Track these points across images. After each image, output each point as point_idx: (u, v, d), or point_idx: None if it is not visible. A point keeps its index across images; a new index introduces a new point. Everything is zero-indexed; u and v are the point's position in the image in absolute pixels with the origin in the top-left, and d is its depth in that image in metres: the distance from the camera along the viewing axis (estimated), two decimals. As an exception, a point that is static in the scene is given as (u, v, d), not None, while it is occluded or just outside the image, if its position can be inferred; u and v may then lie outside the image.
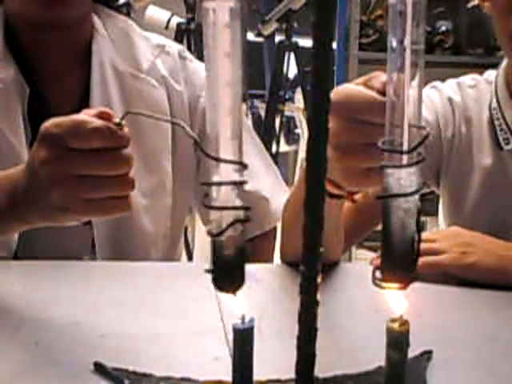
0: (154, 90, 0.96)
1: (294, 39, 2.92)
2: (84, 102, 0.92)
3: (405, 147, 0.41)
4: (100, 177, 0.61)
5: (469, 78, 1.01)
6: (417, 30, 0.41)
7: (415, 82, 0.43)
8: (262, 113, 4.11)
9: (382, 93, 0.51)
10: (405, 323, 0.44)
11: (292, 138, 4.41)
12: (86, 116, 0.61)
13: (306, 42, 3.99)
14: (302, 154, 4.36)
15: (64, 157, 0.61)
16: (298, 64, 3.03)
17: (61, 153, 0.60)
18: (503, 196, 0.93)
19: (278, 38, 3.44)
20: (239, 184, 0.41)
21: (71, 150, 0.60)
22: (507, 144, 0.92)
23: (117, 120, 0.61)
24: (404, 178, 0.41)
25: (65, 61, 0.93)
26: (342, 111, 0.54)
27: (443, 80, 1.03)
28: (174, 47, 1.02)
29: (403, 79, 0.42)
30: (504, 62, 0.95)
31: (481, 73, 1.02)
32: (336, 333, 0.63)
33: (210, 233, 0.42)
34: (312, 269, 0.38)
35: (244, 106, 4.10)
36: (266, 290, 0.74)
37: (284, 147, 4.12)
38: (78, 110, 0.91)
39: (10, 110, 0.88)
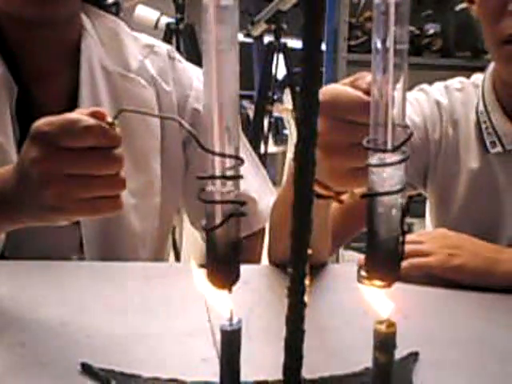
0: (143, 89, 0.96)
1: (283, 40, 2.92)
2: (73, 102, 0.92)
3: (389, 146, 0.41)
4: (91, 176, 0.61)
5: (456, 82, 1.01)
6: (400, 29, 0.41)
7: (399, 82, 0.44)
8: (251, 113, 4.12)
9: (368, 93, 0.52)
10: (392, 325, 0.44)
11: (280, 139, 4.42)
12: (78, 114, 0.61)
13: (295, 43, 4.00)
14: (290, 155, 4.37)
15: (55, 156, 0.60)
16: (286, 65, 3.04)
17: (52, 151, 0.60)
18: (489, 199, 0.94)
19: (267, 39, 3.45)
20: (234, 178, 0.41)
21: (63, 148, 0.60)
22: (493, 147, 0.93)
23: (109, 119, 0.61)
24: (388, 177, 0.42)
25: (53, 59, 0.93)
26: (328, 111, 0.55)
27: (431, 82, 1.04)
28: (163, 47, 1.02)
29: (387, 79, 0.43)
30: (491, 66, 0.96)
31: (469, 75, 1.03)
32: (324, 334, 0.63)
33: (204, 228, 0.42)
34: (300, 271, 0.38)
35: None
36: (254, 292, 0.74)
37: (272, 148, 4.13)
38: (66, 110, 0.91)
39: None
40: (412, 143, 0.94)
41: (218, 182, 0.41)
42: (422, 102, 0.99)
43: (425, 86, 1.01)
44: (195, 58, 2.07)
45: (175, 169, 0.99)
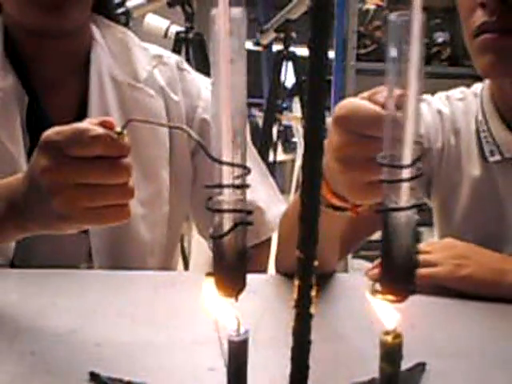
0: (152, 100, 0.96)
1: (292, 48, 2.93)
2: (82, 111, 0.93)
3: (403, 161, 0.41)
4: (100, 185, 0.61)
5: (457, 91, 1.02)
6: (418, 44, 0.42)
7: (414, 97, 0.44)
8: (260, 121, 4.13)
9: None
10: (398, 336, 0.45)
11: (289, 147, 4.43)
12: (87, 124, 0.62)
13: (304, 51, 4.00)
14: (298, 163, 4.37)
15: (64, 165, 0.61)
16: (295, 73, 3.05)
17: (61, 161, 0.61)
18: (491, 207, 0.93)
19: (276, 48, 3.46)
20: (242, 187, 0.42)
21: (71, 158, 0.61)
22: (492, 156, 0.93)
23: (118, 129, 0.62)
24: (403, 192, 0.42)
25: (63, 70, 0.94)
26: (346, 125, 0.55)
27: (440, 91, 1.04)
28: (172, 58, 1.03)
29: (402, 93, 0.43)
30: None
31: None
32: (331, 344, 0.63)
33: (212, 236, 0.42)
34: (307, 282, 0.38)
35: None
36: (261, 301, 0.75)
37: (281, 156, 4.14)
38: (76, 119, 0.92)
39: (8, 118, 0.89)
40: None
41: (226, 190, 0.41)
42: (424, 112, 0.99)
43: (426, 96, 1.02)
44: (204, 66, 2.08)
45: (183, 178, 1.00)
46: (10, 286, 0.76)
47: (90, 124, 0.62)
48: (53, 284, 0.78)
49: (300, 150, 4.32)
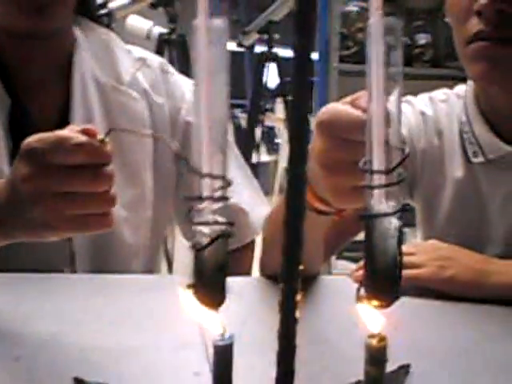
0: (135, 102, 0.96)
1: (275, 49, 2.93)
2: (65, 114, 0.92)
3: (384, 167, 0.41)
4: (82, 193, 0.61)
5: (440, 93, 1.02)
6: (394, 52, 0.42)
7: (394, 101, 0.44)
8: (243, 122, 4.13)
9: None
10: (383, 339, 0.45)
11: (272, 148, 4.43)
12: (69, 132, 0.61)
13: (288, 52, 4.02)
14: (282, 164, 4.38)
15: (46, 173, 0.61)
16: (279, 74, 3.05)
17: (42, 169, 0.60)
18: (474, 208, 0.94)
19: (259, 48, 3.46)
20: (222, 199, 0.41)
21: (53, 165, 0.60)
22: (475, 157, 0.93)
23: (100, 137, 0.61)
24: (385, 198, 0.42)
25: (46, 72, 0.93)
26: (329, 130, 0.56)
27: (422, 92, 1.05)
28: (156, 60, 1.03)
29: (382, 98, 0.43)
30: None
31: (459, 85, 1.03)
32: (316, 347, 0.64)
33: (192, 247, 0.42)
34: (291, 287, 0.38)
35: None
36: (246, 304, 0.75)
37: (265, 157, 4.14)
38: (59, 122, 0.92)
39: None
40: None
41: (206, 202, 0.41)
42: (407, 113, 0.99)
43: (409, 97, 1.02)
44: (188, 68, 2.07)
45: (167, 181, 0.99)
46: (-8, 291, 0.75)
47: (72, 131, 0.61)
48: (35, 288, 0.77)
49: (283, 151, 4.32)
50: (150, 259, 0.99)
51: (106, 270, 0.90)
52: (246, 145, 3.20)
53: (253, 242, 1.05)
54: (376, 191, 0.42)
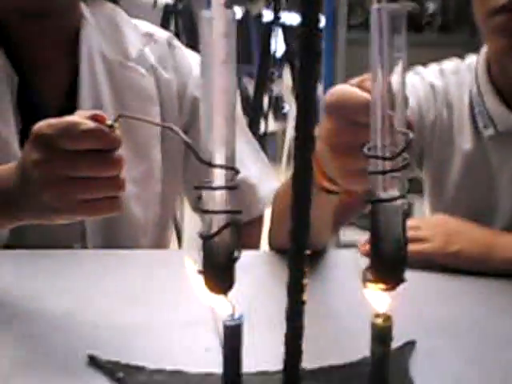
0: (143, 78, 0.96)
1: (282, 15, 2.91)
2: (73, 90, 0.93)
3: (389, 152, 0.42)
4: (91, 178, 0.62)
5: (451, 64, 1.01)
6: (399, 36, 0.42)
7: (397, 80, 0.45)
8: (250, 89, 4.12)
9: None
10: (388, 319, 0.46)
11: (280, 116, 4.42)
12: (78, 117, 0.62)
13: (295, 18, 3.98)
14: (290, 132, 4.37)
15: (56, 158, 0.61)
16: (286, 41, 3.03)
17: (53, 154, 0.61)
18: (483, 181, 0.94)
19: (266, 14, 3.42)
20: (231, 189, 0.42)
21: (63, 151, 0.61)
22: (486, 129, 0.93)
23: (109, 122, 0.62)
24: (390, 183, 0.43)
25: (53, 49, 0.93)
26: (337, 112, 0.56)
27: (431, 60, 1.04)
28: (163, 35, 1.02)
29: (387, 83, 0.44)
30: (484, 48, 0.96)
31: (471, 52, 1.02)
32: (323, 322, 0.65)
33: (201, 235, 0.43)
34: (299, 271, 0.39)
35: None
36: (256, 279, 0.76)
37: (272, 125, 4.13)
38: (67, 98, 0.93)
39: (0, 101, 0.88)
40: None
41: (216, 192, 0.42)
42: (417, 85, 0.99)
43: (419, 68, 1.02)
44: (193, 39, 2.06)
45: (176, 156, 1.00)
46: (4, 268, 0.77)
47: (81, 117, 0.62)
48: (47, 265, 0.79)
49: (291, 120, 4.31)
50: (160, 235, 1.00)
51: (116, 246, 0.91)
52: (254, 113, 3.19)
53: (262, 217, 1.06)
54: (380, 176, 0.43)
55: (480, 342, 0.62)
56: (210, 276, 0.44)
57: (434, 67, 1.02)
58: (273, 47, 3.05)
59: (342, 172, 0.59)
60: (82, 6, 0.96)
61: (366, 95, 0.54)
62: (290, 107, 4.16)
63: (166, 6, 2.28)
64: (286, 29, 2.98)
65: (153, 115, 0.96)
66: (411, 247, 0.77)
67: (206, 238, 0.42)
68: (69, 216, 0.66)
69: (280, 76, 4.01)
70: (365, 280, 0.44)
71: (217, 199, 0.42)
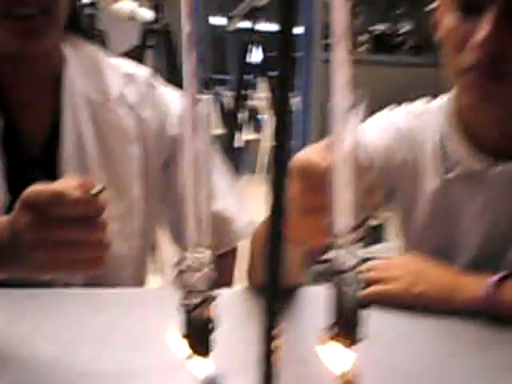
0: (123, 118, 1.00)
1: (260, 25, 2.94)
2: (55, 130, 0.96)
3: (343, 229, 0.47)
4: (78, 240, 0.66)
5: (417, 106, 1.05)
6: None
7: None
8: (225, 100, 4.16)
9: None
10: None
11: (256, 126, 4.48)
12: (65, 187, 0.66)
13: (271, 27, 4.02)
14: (264, 143, 4.44)
15: (46, 223, 0.66)
16: (263, 51, 3.06)
17: (43, 219, 0.66)
18: (448, 220, 0.98)
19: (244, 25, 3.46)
20: (209, 266, 0.46)
21: (52, 217, 0.65)
22: (450, 171, 0.97)
23: (95, 190, 0.66)
24: (346, 255, 0.48)
25: (36, 90, 0.97)
26: (300, 178, 0.60)
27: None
28: (142, 75, 1.05)
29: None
30: (451, 92, 1.00)
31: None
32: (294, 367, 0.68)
33: (181, 306, 0.47)
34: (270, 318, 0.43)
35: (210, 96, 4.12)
36: (232, 317, 0.79)
37: (248, 136, 4.18)
38: (50, 138, 0.96)
39: None
40: (376, 167, 0.99)
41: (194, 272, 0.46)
42: (384, 128, 1.03)
43: (386, 111, 1.06)
44: (172, 59, 2.09)
45: (156, 190, 1.04)
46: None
47: (68, 185, 0.66)
48: (32, 305, 0.81)
49: (266, 129, 4.37)
50: (140, 265, 1.04)
51: (97, 282, 0.94)
52: (232, 126, 3.23)
53: (235, 249, 1.10)
54: (340, 249, 0.48)
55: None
56: (191, 341, 0.48)
57: (400, 109, 1.05)
58: (249, 58, 3.09)
59: (306, 230, 0.63)
60: (64, 46, 0.99)
61: (326, 163, 0.57)
62: (267, 118, 4.23)
63: (145, 25, 2.29)
64: (263, 42, 3.02)
65: (133, 155, 0.99)
66: (376, 288, 0.83)
67: (186, 312, 0.47)
68: (56, 273, 0.70)
69: (254, 86, 4.06)
70: (323, 340, 0.49)
71: (195, 276, 0.46)
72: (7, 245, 0.69)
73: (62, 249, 0.67)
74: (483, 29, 0.83)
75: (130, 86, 1.02)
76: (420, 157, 1.01)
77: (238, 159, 3.70)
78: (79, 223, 0.66)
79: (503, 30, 0.83)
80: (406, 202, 1.02)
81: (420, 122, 1.02)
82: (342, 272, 0.48)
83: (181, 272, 0.47)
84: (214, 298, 0.47)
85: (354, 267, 0.48)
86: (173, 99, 1.05)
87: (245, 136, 3.74)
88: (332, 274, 0.48)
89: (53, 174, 0.94)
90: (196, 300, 0.47)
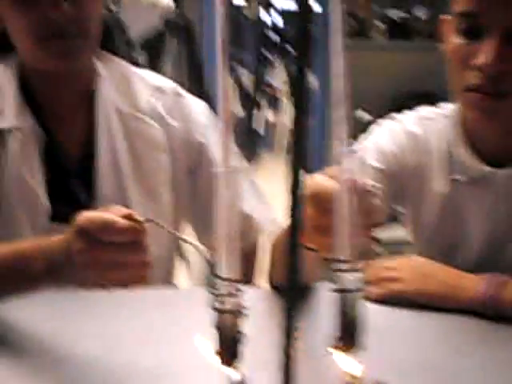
0: (153, 129, 1.07)
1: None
2: (90, 141, 1.04)
3: (346, 256, 0.57)
4: (125, 262, 0.76)
5: (428, 111, 1.10)
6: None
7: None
8: (244, 79, 4.21)
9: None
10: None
11: (276, 107, 4.53)
12: (113, 216, 0.75)
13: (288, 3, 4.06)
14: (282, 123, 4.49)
15: (97, 247, 0.75)
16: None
17: (94, 244, 0.75)
18: (456, 222, 1.05)
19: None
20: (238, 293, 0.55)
21: (102, 242, 0.75)
22: (456, 176, 1.03)
23: (138, 218, 0.76)
24: (350, 278, 0.58)
25: (73, 104, 1.05)
26: (313, 202, 0.67)
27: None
28: (169, 85, 1.13)
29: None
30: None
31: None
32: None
33: (214, 326, 0.56)
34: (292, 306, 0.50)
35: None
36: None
37: (270, 117, 4.25)
38: (85, 149, 1.04)
39: (28, 156, 1.01)
40: (388, 170, 1.06)
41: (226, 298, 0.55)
42: (397, 131, 1.08)
43: (397, 115, 1.11)
44: (192, 54, 2.12)
45: (183, 194, 1.12)
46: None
47: (116, 215, 0.75)
48: (71, 307, 0.91)
49: (285, 109, 4.42)
50: (169, 269, 1.13)
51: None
52: (251, 108, 3.30)
53: (255, 245, 1.17)
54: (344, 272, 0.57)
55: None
56: (223, 355, 0.57)
57: (411, 114, 1.11)
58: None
59: (320, 246, 0.71)
60: (97, 63, 1.07)
61: (334, 186, 0.63)
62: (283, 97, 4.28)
63: (166, 21, 2.32)
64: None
65: (163, 163, 1.07)
66: (386, 286, 0.91)
67: (217, 328, 0.55)
68: (102, 289, 0.79)
69: (273, 64, 4.10)
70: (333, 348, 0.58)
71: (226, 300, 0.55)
72: (62, 264, 0.79)
73: (111, 269, 0.77)
74: (485, 53, 0.89)
75: (158, 97, 1.09)
76: (429, 160, 1.07)
77: (256, 140, 3.77)
78: (126, 247, 0.76)
79: (504, 54, 0.89)
80: (417, 203, 1.09)
81: (430, 127, 1.08)
82: (346, 291, 0.57)
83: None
84: (243, 309, 0.55)
85: (357, 290, 0.57)
86: (199, 108, 1.13)
87: (264, 116, 3.81)
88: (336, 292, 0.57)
89: (89, 185, 1.03)
90: (226, 306, 0.55)
